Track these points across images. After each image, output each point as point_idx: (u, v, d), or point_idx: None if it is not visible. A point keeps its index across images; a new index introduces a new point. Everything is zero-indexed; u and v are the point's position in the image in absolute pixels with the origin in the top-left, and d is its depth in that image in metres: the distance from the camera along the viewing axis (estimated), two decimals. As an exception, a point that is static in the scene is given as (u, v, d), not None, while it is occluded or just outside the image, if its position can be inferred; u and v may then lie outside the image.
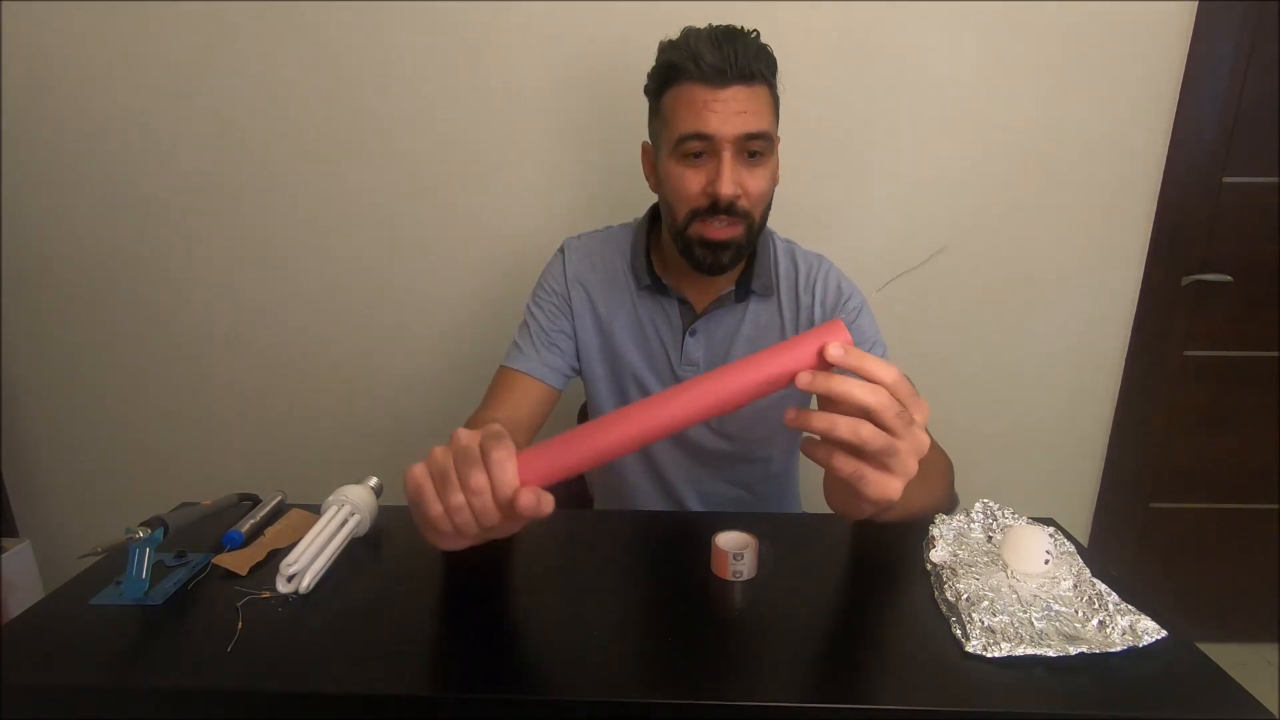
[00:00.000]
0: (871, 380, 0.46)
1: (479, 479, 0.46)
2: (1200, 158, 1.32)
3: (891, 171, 1.32)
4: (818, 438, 0.48)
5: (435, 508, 0.47)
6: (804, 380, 0.46)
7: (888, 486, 0.47)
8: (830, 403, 0.47)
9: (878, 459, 0.46)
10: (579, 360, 0.94)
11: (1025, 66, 1.27)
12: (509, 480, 0.46)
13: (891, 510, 0.58)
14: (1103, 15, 1.24)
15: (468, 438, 0.48)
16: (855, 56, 1.27)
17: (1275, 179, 1.35)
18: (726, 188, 0.76)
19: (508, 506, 0.46)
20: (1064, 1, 1.23)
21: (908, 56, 1.26)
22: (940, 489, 0.73)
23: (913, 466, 0.47)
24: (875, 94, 1.28)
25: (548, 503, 0.46)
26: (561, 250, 0.96)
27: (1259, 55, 1.29)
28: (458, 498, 0.46)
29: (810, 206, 1.33)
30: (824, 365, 0.47)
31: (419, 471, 0.49)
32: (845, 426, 0.45)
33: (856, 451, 0.46)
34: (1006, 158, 1.32)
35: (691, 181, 0.79)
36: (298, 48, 1.27)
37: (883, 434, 0.45)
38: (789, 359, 0.48)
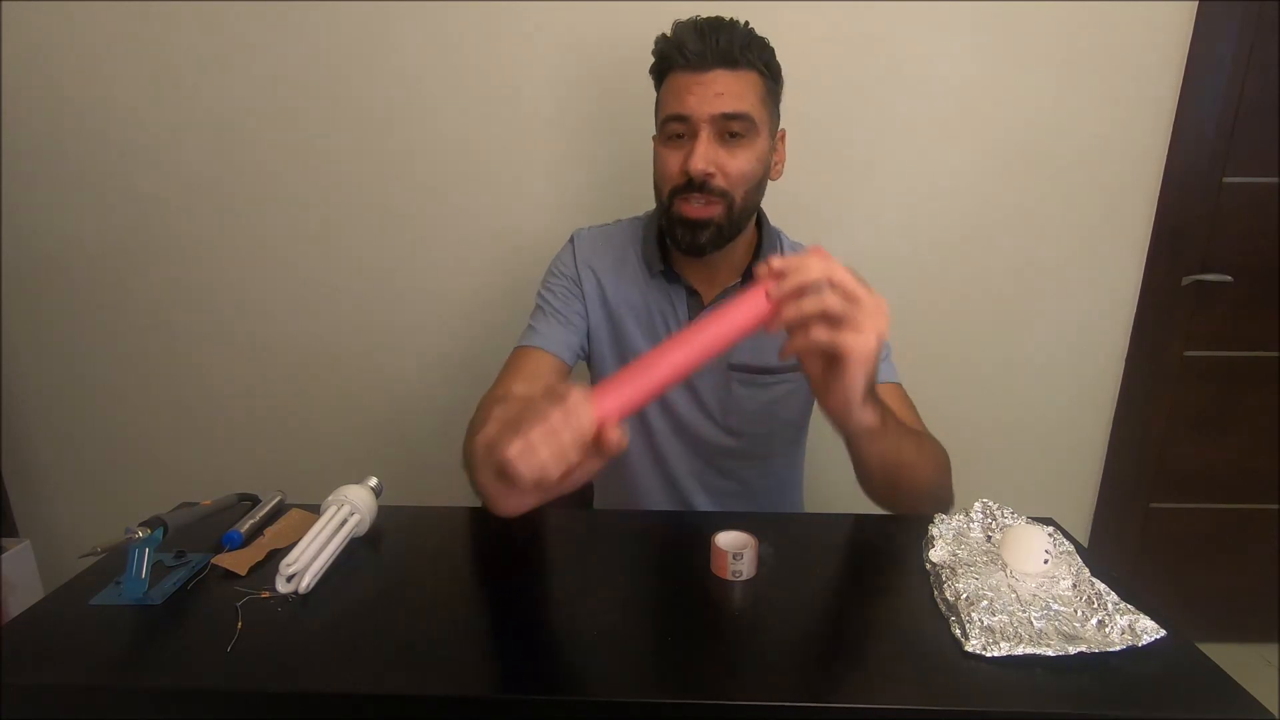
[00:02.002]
0: (808, 269, 0.54)
1: (557, 415, 0.45)
2: (1200, 158, 1.32)
3: (892, 171, 1.32)
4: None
5: (513, 446, 0.44)
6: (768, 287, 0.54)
7: (865, 341, 0.54)
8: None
9: (849, 320, 0.54)
10: (589, 343, 0.95)
11: (1025, 66, 1.27)
12: (588, 420, 0.46)
13: (885, 438, 0.65)
14: (1103, 15, 1.24)
15: (529, 390, 0.48)
16: (855, 56, 1.26)
17: (1275, 179, 1.35)
18: (698, 163, 0.78)
19: (588, 444, 0.46)
20: (1064, 1, 1.23)
21: (908, 56, 1.26)
22: (933, 465, 0.76)
23: (882, 323, 0.55)
24: (875, 94, 1.28)
25: (624, 437, 0.48)
26: (571, 240, 0.97)
27: (1259, 55, 1.28)
28: (537, 432, 0.45)
29: (810, 206, 1.33)
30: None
31: (489, 426, 0.48)
32: (810, 301, 0.53)
33: (829, 324, 0.54)
34: (1006, 157, 1.32)
35: (671, 161, 0.82)
36: (298, 47, 1.27)
37: (842, 297, 0.54)
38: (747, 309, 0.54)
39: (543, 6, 1.24)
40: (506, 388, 0.86)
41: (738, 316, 0.54)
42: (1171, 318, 1.42)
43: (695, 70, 0.79)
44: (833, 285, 0.54)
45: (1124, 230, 1.36)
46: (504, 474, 0.45)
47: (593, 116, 1.30)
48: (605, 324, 0.94)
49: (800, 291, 0.53)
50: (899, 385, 0.90)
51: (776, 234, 0.95)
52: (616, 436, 0.46)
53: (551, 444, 0.44)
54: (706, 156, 0.79)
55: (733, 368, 0.91)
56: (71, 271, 1.39)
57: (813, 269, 0.53)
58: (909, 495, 0.74)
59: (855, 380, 0.57)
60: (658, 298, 0.92)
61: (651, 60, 0.85)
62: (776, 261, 0.54)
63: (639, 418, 0.97)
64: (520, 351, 0.90)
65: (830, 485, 1.36)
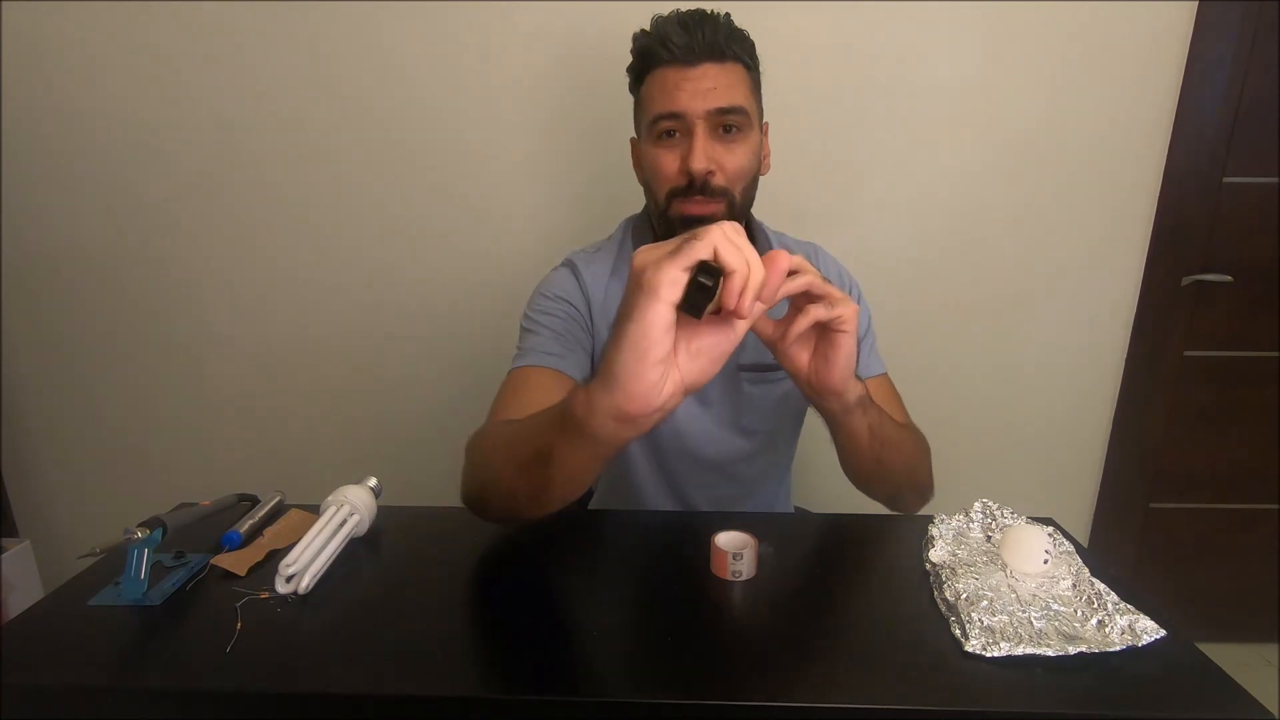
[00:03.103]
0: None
1: (725, 227, 0.44)
2: (1200, 158, 1.32)
3: (892, 172, 1.32)
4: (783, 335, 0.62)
5: (709, 237, 0.43)
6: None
7: (851, 306, 0.58)
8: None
9: (828, 294, 0.58)
10: (592, 370, 0.89)
11: (1025, 67, 1.27)
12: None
13: (871, 407, 0.68)
14: (1103, 15, 1.24)
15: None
16: (855, 57, 1.26)
17: (1275, 179, 1.35)
18: (698, 162, 0.76)
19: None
20: (1064, 2, 1.23)
21: (908, 57, 1.26)
22: (912, 441, 0.79)
23: (848, 299, 0.59)
24: (875, 94, 1.28)
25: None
26: (571, 266, 0.90)
27: (1259, 55, 1.28)
28: (719, 232, 0.44)
29: (810, 207, 1.33)
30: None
31: (641, 256, 0.45)
32: (799, 281, 0.57)
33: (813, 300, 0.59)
34: (1007, 158, 1.32)
35: (667, 161, 0.78)
36: (296, 48, 1.27)
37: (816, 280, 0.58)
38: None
39: (541, 7, 1.24)
40: (511, 413, 0.76)
41: None
42: (1171, 318, 1.42)
43: (683, 65, 0.76)
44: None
45: (1124, 230, 1.36)
46: (688, 297, 0.43)
47: (591, 117, 1.30)
48: None
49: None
50: (885, 377, 0.90)
51: (761, 228, 0.92)
52: (786, 261, 0.47)
53: (740, 241, 0.44)
54: (706, 154, 0.76)
55: (742, 368, 0.89)
56: (71, 272, 1.39)
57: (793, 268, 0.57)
58: (893, 471, 0.75)
59: (851, 345, 0.60)
60: None
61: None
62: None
63: (649, 437, 0.91)
64: (522, 372, 0.80)
65: (823, 484, 1.36)
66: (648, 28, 0.80)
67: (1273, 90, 1.30)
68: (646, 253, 0.45)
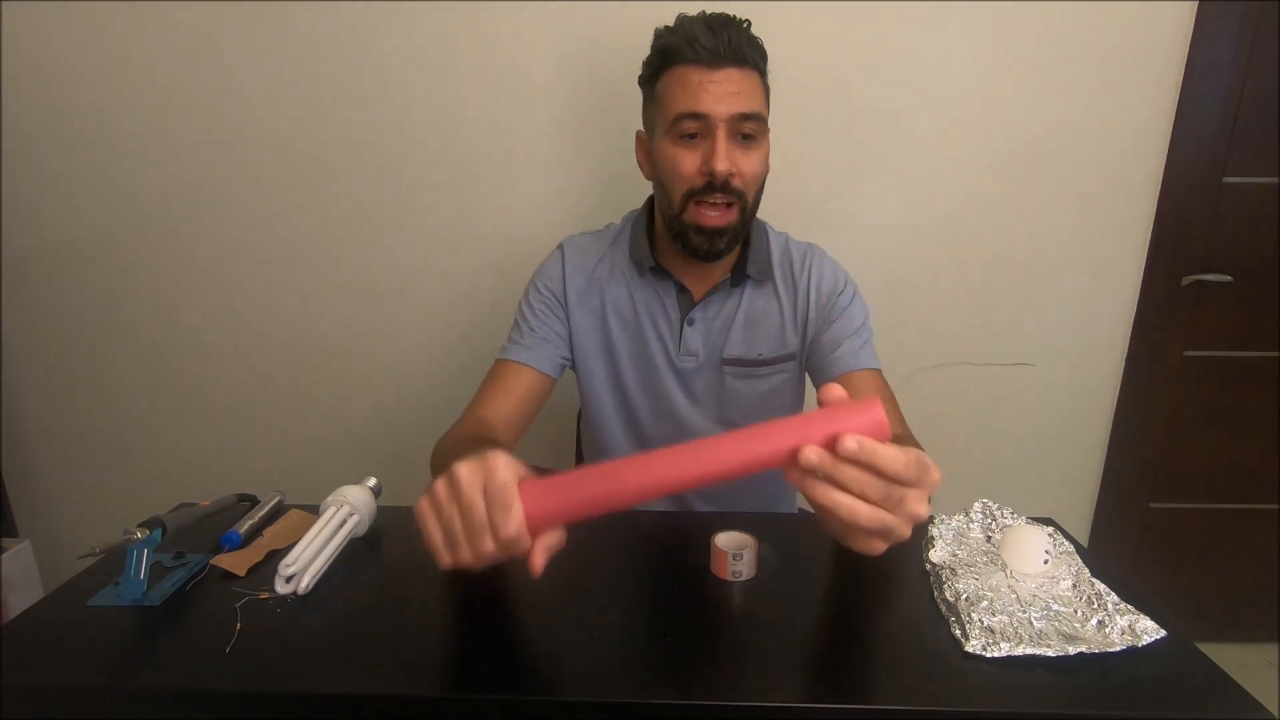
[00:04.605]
0: (881, 472, 0.42)
1: (488, 547, 0.45)
2: (1200, 158, 1.32)
3: (892, 171, 1.32)
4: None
5: (445, 559, 0.47)
6: (810, 458, 0.42)
7: (872, 546, 0.45)
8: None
9: (887, 500, 0.43)
10: (573, 357, 0.95)
11: (1025, 66, 1.27)
12: (524, 549, 0.46)
13: None
14: (1103, 15, 1.24)
15: (471, 490, 0.44)
16: (855, 56, 1.26)
17: (1275, 179, 1.35)
18: (721, 163, 0.77)
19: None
20: (1064, 1, 1.23)
21: (907, 56, 1.26)
22: None
23: (904, 533, 0.44)
24: (875, 94, 1.28)
25: (558, 541, 0.48)
26: (560, 249, 0.95)
27: (1259, 55, 1.28)
28: (466, 557, 0.46)
29: (810, 206, 1.33)
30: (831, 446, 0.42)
31: (429, 516, 0.47)
32: (845, 508, 0.42)
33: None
34: (1006, 157, 1.31)
35: (686, 162, 0.79)
36: (294, 48, 1.26)
37: (878, 515, 0.43)
38: (807, 433, 0.44)
39: (537, 7, 1.24)
40: (488, 404, 0.87)
41: (752, 448, 0.46)
42: (1171, 318, 1.42)
43: (707, 66, 0.77)
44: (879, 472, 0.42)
45: (1124, 230, 1.36)
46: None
47: (584, 118, 1.30)
48: (595, 335, 0.93)
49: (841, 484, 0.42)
50: (878, 372, 0.89)
51: (763, 224, 0.94)
52: (540, 566, 0.46)
53: (485, 564, 0.46)
54: (729, 157, 0.78)
55: (725, 362, 0.91)
56: (71, 272, 1.39)
57: (860, 485, 0.42)
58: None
59: (866, 550, 0.46)
60: (645, 296, 0.92)
61: (645, 54, 0.83)
62: (850, 444, 0.41)
63: (633, 429, 0.96)
64: (502, 365, 0.90)
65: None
66: (666, 26, 0.81)
67: (1273, 90, 1.30)
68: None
